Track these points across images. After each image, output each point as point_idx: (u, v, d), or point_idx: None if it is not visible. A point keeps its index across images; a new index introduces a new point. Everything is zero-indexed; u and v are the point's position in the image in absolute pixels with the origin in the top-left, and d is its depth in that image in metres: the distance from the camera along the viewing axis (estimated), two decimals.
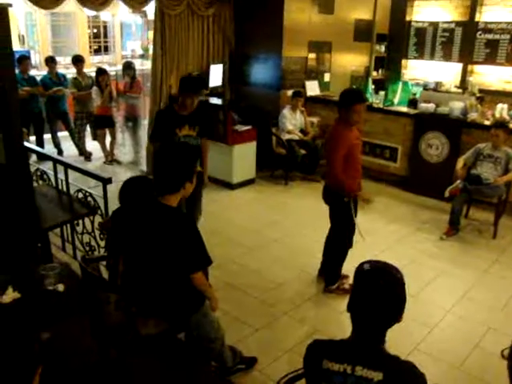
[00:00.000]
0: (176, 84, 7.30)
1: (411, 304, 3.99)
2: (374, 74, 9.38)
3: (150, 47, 7.68)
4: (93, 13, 12.28)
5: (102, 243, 4.46)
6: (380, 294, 1.72)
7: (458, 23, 8.88)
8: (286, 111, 7.13)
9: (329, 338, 1.91)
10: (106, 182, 4.24)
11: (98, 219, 4.37)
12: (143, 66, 10.09)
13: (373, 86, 8.21)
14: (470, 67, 8.89)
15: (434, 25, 9.18)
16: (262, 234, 5.49)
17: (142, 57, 11.53)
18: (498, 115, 6.88)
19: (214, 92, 7.66)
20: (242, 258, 4.94)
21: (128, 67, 7.88)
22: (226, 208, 6.27)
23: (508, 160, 5.56)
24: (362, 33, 8.88)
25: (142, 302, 2.69)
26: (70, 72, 8.76)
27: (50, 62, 8.01)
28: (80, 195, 4.54)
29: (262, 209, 6.35)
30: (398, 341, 3.27)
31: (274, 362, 3.37)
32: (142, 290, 2.68)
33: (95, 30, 13.32)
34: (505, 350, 1.60)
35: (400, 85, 8.07)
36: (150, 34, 7.92)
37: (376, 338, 1.76)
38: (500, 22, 8.41)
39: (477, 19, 8.66)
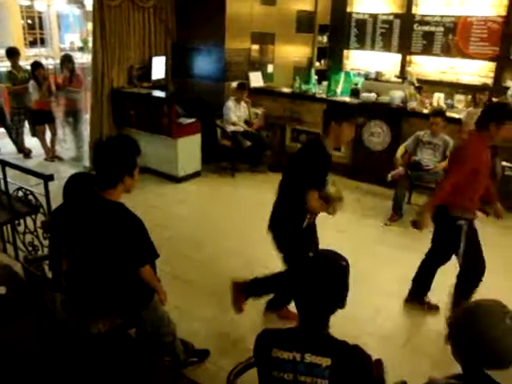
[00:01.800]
0: (118, 77, 7.17)
1: (358, 289, 4.09)
2: (317, 64, 9.51)
3: (90, 39, 7.46)
4: (26, 2, 11.83)
5: (46, 242, 4.32)
6: (322, 280, 1.76)
7: (396, 15, 9.11)
8: (231, 103, 7.12)
9: (278, 327, 1.93)
10: (48, 179, 4.09)
11: (40, 218, 4.23)
12: (83, 59, 9.78)
13: (316, 77, 8.33)
14: (408, 58, 9.15)
15: (374, 16, 9.37)
16: (209, 226, 5.48)
17: (82, 49, 11.18)
18: (435, 104, 7.14)
19: (157, 85, 7.54)
20: (190, 250, 4.91)
21: (67, 60, 7.63)
22: (173, 201, 6.21)
23: (446, 146, 5.78)
24: (304, 24, 8.97)
25: (89, 300, 2.63)
26: (4, 65, 8.38)
27: None
28: (20, 194, 4.38)
29: (209, 201, 6.33)
30: (346, 325, 3.34)
31: (226, 353, 3.38)
32: (88, 288, 2.62)
33: (30, 21, 12.80)
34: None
35: (342, 75, 8.24)
36: (89, 25, 7.69)
37: (320, 324, 1.79)
38: (435, 15, 8.69)
39: (414, 12, 8.92)
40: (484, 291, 3.54)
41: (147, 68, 7.50)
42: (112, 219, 2.46)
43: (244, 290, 3.66)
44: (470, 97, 6.74)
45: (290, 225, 3.53)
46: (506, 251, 5.17)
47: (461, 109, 6.92)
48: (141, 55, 7.49)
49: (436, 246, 3.93)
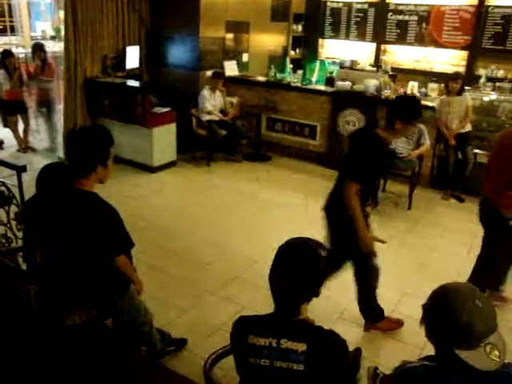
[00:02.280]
0: (91, 66, 7.07)
1: (334, 275, 4.14)
2: (292, 53, 9.52)
3: (62, 28, 7.32)
4: None
5: (20, 234, 4.25)
6: (297, 268, 1.77)
7: (370, 4, 9.16)
8: (206, 92, 7.08)
9: (254, 314, 1.94)
10: (20, 170, 4.01)
11: (13, 209, 4.15)
12: (55, 47, 9.59)
13: (291, 66, 8.34)
14: (382, 46, 9.22)
15: (348, 5, 9.40)
16: (185, 216, 5.47)
17: (54, 38, 10.94)
18: (409, 92, 7.20)
19: (131, 74, 7.46)
20: (167, 240, 4.90)
21: (38, 49, 7.47)
22: (148, 191, 6.17)
23: (420, 135, 5.85)
24: (279, 13, 8.95)
25: (64, 291, 2.61)
26: None
27: None
28: None
29: (185, 190, 6.31)
30: (323, 310, 3.39)
31: (203, 341, 3.39)
32: (63, 280, 2.60)
33: None
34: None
35: (317, 64, 8.26)
36: (61, 14, 7.53)
37: (294, 310, 1.81)
38: (409, 4, 8.76)
39: (388, 1, 8.97)
40: None
41: (121, 57, 7.41)
42: (85, 209, 2.44)
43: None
44: (442, 85, 6.82)
45: (342, 213, 3.27)
46: None
47: (434, 97, 7.01)
48: (114, 44, 7.39)
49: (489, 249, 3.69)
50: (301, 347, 1.73)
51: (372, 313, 3.64)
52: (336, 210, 3.36)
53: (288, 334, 1.75)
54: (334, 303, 3.85)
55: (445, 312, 1.57)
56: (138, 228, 4.90)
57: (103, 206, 2.48)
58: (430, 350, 1.75)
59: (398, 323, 3.66)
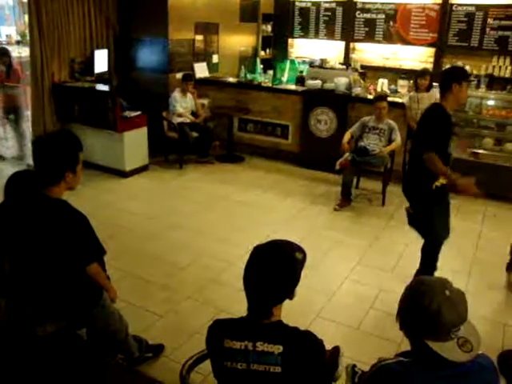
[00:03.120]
0: (59, 71, 6.94)
1: (311, 274, 4.16)
2: (262, 53, 9.52)
3: (28, 32, 7.17)
4: None
5: None
6: (270, 270, 1.75)
7: (338, 3, 9.23)
8: (176, 94, 7.02)
9: (229, 317, 1.93)
10: None
11: None
12: (22, 52, 9.41)
13: (261, 66, 8.33)
14: (351, 45, 9.30)
15: (317, 5, 9.46)
16: (159, 220, 5.40)
17: (19, 43, 10.72)
18: (379, 89, 7.28)
19: (100, 78, 7.34)
20: (141, 245, 4.83)
21: (3, 54, 7.32)
22: (121, 197, 6.08)
23: (391, 131, 5.92)
24: (248, 13, 8.95)
25: (34, 302, 2.54)
26: None
27: None
28: None
29: (158, 194, 6.24)
30: (300, 310, 3.39)
31: (181, 346, 3.35)
32: (33, 290, 2.53)
33: None
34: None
35: (287, 63, 8.26)
36: (27, 18, 7.38)
37: (265, 312, 1.79)
38: (376, 3, 8.86)
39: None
40: None
41: (89, 61, 7.29)
42: (54, 217, 2.38)
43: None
44: (412, 82, 6.91)
45: (420, 186, 3.72)
46: None
47: (404, 93, 7.09)
48: (82, 48, 7.26)
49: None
50: (277, 349, 1.71)
51: None
52: (414, 188, 3.83)
53: (263, 337, 1.74)
54: (311, 303, 3.85)
55: (416, 301, 1.60)
56: (112, 234, 4.83)
57: (73, 213, 2.42)
58: (406, 345, 1.76)
59: None
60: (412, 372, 1.61)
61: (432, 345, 1.55)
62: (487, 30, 8.07)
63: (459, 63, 8.24)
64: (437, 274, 3.85)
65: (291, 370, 1.71)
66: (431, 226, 3.78)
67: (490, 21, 8.03)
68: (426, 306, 1.55)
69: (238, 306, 3.58)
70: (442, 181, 3.61)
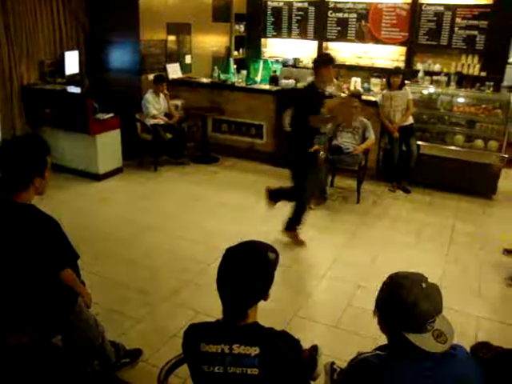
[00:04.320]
0: (28, 73, 6.81)
1: (288, 274, 4.17)
2: (235, 53, 9.48)
3: None
4: None
5: None
6: (241, 269, 1.74)
7: (310, 3, 9.25)
8: (149, 96, 6.95)
9: (204, 321, 1.91)
10: None
11: None
12: None
13: (234, 66, 8.32)
14: (324, 44, 9.34)
15: (289, 4, 9.48)
16: (134, 223, 5.34)
17: None
18: (352, 88, 7.33)
19: (72, 80, 7.22)
20: (117, 249, 4.77)
21: None
22: (95, 200, 6.00)
23: (364, 129, 5.97)
24: (221, 13, 8.90)
25: (5, 311, 2.48)
26: None
27: None
28: None
29: (133, 197, 6.17)
30: (278, 310, 3.39)
31: (159, 350, 3.32)
32: (3, 299, 2.47)
33: None
34: None
35: (261, 63, 8.26)
36: None
37: (240, 314, 1.77)
38: (347, 2, 8.92)
39: None
40: None
41: (60, 63, 7.17)
42: (24, 223, 2.33)
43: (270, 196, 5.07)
44: (384, 80, 6.98)
45: (299, 148, 4.65)
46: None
47: (377, 92, 7.16)
48: (52, 49, 7.14)
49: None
50: (253, 351, 1.70)
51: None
52: (295, 153, 4.71)
53: (239, 339, 1.73)
54: (289, 302, 3.85)
55: (393, 295, 1.64)
56: (86, 238, 4.75)
57: (43, 218, 2.37)
58: (384, 340, 1.78)
59: (300, 242, 4.88)
60: (389, 364, 1.65)
61: (409, 336, 1.59)
62: (455, 29, 8.20)
63: (429, 61, 8.39)
64: None
65: (269, 372, 1.70)
66: (304, 184, 4.68)
67: (458, 20, 8.15)
68: (404, 299, 1.59)
69: (216, 308, 3.56)
70: (315, 147, 4.63)
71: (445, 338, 1.60)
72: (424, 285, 1.63)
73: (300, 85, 7.05)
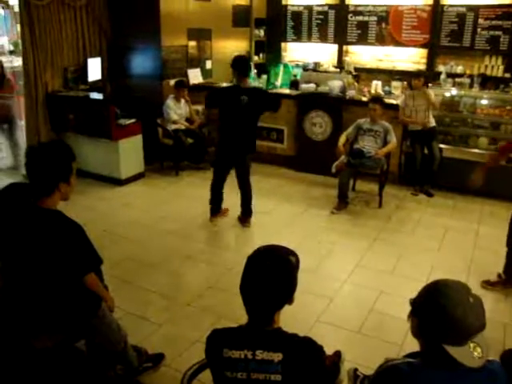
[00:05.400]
0: (52, 80, 6.92)
1: (310, 278, 4.15)
2: (256, 58, 9.51)
3: (20, 42, 7.15)
4: None
5: None
6: (268, 276, 1.74)
7: (330, 6, 9.25)
8: (170, 101, 7.01)
9: (227, 327, 1.91)
10: None
11: None
12: (14, 62, 9.39)
13: (255, 70, 8.33)
14: (345, 47, 9.32)
15: (309, 8, 9.48)
16: (156, 228, 5.38)
17: (12, 53, 10.70)
18: (373, 91, 7.29)
19: (94, 87, 7.32)
20: (139, 253, 4.80)
21: None
22: (117, 205, 6.05)
23: (386, 133, 5.91)
24: (241, 18, 8.95)
25: (31, 316, 2.51)
26: None
27: None
28: None
29: (155, 202, 6.21)
30: (300, 315, 3.37)
31: (182, 355, 3.33)
32: (29, 304, 2.50)
33: None
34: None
35: (281, 67, 8.27)
36: (19, 27, 7.36)
37: (267, 320, 1.77)
38: (368, 5, 8.89)
39: (347, 2, 9.09)
40: None
41: (83, 70, 7.28)
42: (49, 228, 2.36)
43: None
44: (405, 83, 6.92)
45: (252, 143, 5.26)
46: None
47: (398, 95, 7.10)
48: (75, 56, 7.25)
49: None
50: (277, 357, 1.70)
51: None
52: (249, 145, 5.29)
53: (263, 345, 1.72)
54: (311, 307, 3.83)
55: (437, 306, 1.57)
56: (109, 243, 4.80)
57: (68, 223, 2.40)
58: (409, 347, 1.74)
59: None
60: (421, 373, 1.60)
61: (449, 349, 1.53)
62: (478, 30, 8.10)
63: (452, 63, 8.30)
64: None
65: (292, 378, 1.70)
66: (249, 167, 5.36)
67: (480, 21, 8.06)
68: (451, 312, 1.53)
69: (239, 312, 3.57)
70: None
71: (482, 352, 1.53)
72: (471, 299, 1.56)
73: (321, 88, 7.03)
